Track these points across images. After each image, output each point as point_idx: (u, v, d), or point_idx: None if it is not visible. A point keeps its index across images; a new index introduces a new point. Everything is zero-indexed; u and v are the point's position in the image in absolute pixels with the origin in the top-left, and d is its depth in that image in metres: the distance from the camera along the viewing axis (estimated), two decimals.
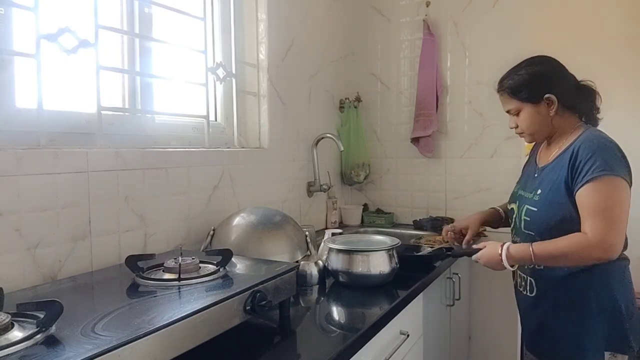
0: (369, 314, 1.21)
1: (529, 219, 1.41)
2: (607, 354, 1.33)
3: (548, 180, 1.39)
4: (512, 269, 1.39)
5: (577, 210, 1.30)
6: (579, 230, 1.28)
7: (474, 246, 1.51)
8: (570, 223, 1.31)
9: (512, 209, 1.53)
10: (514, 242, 1.48)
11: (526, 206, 1.43)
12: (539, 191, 1.40)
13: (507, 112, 1.48)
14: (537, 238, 1.37)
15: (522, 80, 1.41)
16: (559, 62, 1.44)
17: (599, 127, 1.44)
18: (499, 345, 2.32)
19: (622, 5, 2.07)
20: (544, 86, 1.39)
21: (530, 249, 1.31)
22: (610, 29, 2.08)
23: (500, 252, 1.37)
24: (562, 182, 1.33)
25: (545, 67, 1.42)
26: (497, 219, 1.71)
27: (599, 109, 1.44)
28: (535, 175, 1.47)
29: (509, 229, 1.60)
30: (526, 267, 1.45)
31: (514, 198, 1.54)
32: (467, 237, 1.65)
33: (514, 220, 1.51)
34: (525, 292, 1.47)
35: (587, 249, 1.25)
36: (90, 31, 1.29)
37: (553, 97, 1.38)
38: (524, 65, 1.44)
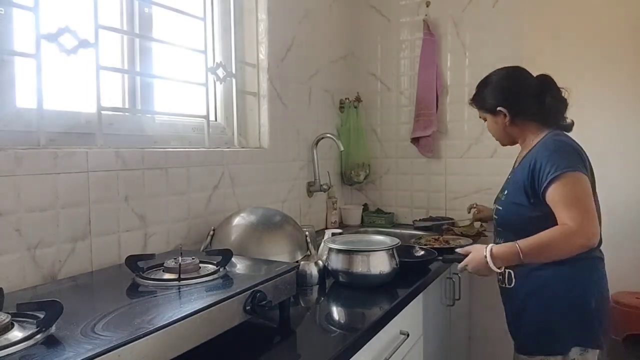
0: (369, 314, 1.21)
1: (497, 217, 1.57)
2: (577, 349, 1.41)
3: (512, 182, 1.53)
4: (499, 270, 1.37)
5: (539, 210, 1.39)
6: (541, 226, 1.34)
7: (458, 250, 1.50)
8: (528, 222, 1.41)
9: (494, 209, 1.65)
10: (496, 242, 1.55)
11: (496, 206, 1.58)
12: (505, 192, 1.55)
13: (480, 118, 1.65)
14: (507, 234, 1.50)
15: (481, 93, 1.59)
16: (518, 74, 1.55)
17: (583, 127, 1.55)
18: (499, 345, 2.31)
19: (622, 7, 2.07)
20: (497, 99, 1.54)
21: (517, 246, 1.33)
22: (610, 29, 2.08)
23: (484, 254, 1.37)
24: (521, 184, 1.44)
25: (501, 82, 1.55)
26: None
27: (566, 117, 1.53)
28: (509, 177, 1.61)
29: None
30: (505, 271, 1.51)
31: (495, 200, 1.65)
32: (479, 215, 2.04)
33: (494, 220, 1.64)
34: (504, 285, 1.56)
35: (571, 237, 1.30)
36: (90, 31, 1.29)
37: (503, 109, 1.52)
38: (490, 77, 1.59)
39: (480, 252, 1.40)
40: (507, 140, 1.61)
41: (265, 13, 1.91)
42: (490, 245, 1.40)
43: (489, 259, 1.36)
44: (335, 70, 2.47)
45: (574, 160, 1.37)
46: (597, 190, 1.46)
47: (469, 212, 2.09)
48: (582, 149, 1.44)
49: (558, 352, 1.42)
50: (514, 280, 1.51)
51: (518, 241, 1.34)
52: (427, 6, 2.41)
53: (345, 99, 2.52)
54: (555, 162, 1.36)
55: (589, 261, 1.42)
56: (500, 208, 1.54)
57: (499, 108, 1.53)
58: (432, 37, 2.38)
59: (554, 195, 1.35)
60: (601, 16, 2.09)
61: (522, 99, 1.51)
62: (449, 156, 2.43)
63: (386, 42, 2.55)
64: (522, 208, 1.44)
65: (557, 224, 1.34)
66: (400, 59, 2.52)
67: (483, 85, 1.59)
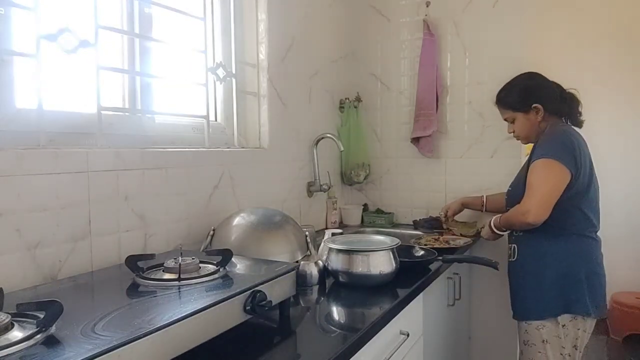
0: (369, 314, 1.21)
1: (507, 197, 1.84)
2: (567, 316, 1.64)
3: (518, 174, 1.79)
4: (499, 232, 1.82)
5: None
6: (561, 219, 1.64)
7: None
8: None
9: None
10: None
11: (508, 188, 1.84)
12: (512, 181, 1.82)
13: (505, 120, 1.83)
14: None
15: (513, 93, 1.77)
16: (542, 76, 1.78)
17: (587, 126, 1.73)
18: (499, 345, 2.32)
19: (622, 7, 2.07)
20: (531, 97, 1.73)
21: (498, 218, 1.80)
22: (610, 29, 2.08)
23: (490, 222, 1.84)
24: (525, 174, 1.68)
25: (531, 82, 1.76)
26: (477, 205, 2.16)
27: (580, 112, 1.76)
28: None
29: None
30: (512, 236, 1.81)
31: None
32: (449, 214, 2.17)
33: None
34: (510, 258, 1.82)
35: (518, 215, 1.64)
36: (90, 31, 1.29)
37: (539, 105, 1.71)
38: (514, 82, 1.79)
39: (488, 223, 1.87)
40: (536, 136, 1.75)
41: (265, 13, 1.91)
42: (492, 218, 1.83)
43: (492, 226, 1.83)
44: (335, 70, 2.47)
45: (563, 151, 1.59)
46: (597, 188, 1.68)
47: (444, 219, 2.20)
48: (582, 146, 1.63)
49: (548, 316, 1.65)
50: (517, 254, 1.77)
51: (501, 216, 1.78)
52: (427, 6, 2.41)
53: (345, 99, 2.52)
54: (545, 147, 1.61)
55: (581, 238, 1.67)
56: (510, 188, 1.81)
57: (534, 105, 1.71)
58: (432, 37, 2.37)
59: (528, 174, 1.64)
60: (601, 16, 2.10)
61: (550, 94, 1.73)
62: (449, 156, 2.42)
63: (386, 42, 2.55)
64: (521, 191, 1.67)
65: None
66: (400, 59, 2.52)
67: (512, 87, 1.78)
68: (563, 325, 1.64)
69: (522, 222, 1.63)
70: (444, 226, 2.20)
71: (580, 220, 1.67)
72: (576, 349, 1.67)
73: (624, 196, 2.02)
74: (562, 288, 1.64)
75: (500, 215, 1.79)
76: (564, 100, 1.74)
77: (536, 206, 1.58)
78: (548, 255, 1.67)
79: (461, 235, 2.12)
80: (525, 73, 1.80)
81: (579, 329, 1.65)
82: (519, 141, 1.87)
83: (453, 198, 2.39)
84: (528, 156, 1.76)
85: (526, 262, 1.73)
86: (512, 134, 1.84)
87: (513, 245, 1.80)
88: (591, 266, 1.67)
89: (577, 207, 1.65)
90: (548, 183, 1.58)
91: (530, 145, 1.84)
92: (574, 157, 1.59)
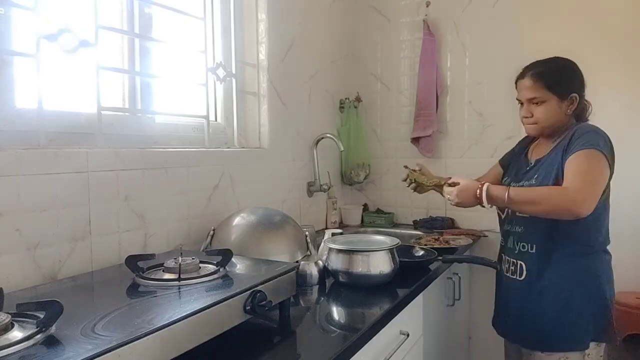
0: (369, 314, 1.21)
1: None
2: (593, 344, 1.43)
3: (545, 169, 1.48)
4: (488, 205, 1.44)
5: None
6: (583, 232, 1.41)
7: (444, 180, 1.58)
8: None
9: None
10: (504, 231, 1.64)
11: (531, 182, 1.51)
12: (536, 176, 1.50)
13: (530, 99, 1.50)
14: (532, 218, 1.47)
15: (558, 72, 1.49)
16: None
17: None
18: (499, 345, 2.31)
19: (624, 7, 2.07)
20: (573, 84, 1.48)
21: (507, 193, 1.40)
22: (611, 29, 2.08)
23: (479, 189, 1.44)
24: (554, 167, 1.44)
25: (575, 67, 1.51)
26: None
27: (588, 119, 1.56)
28: (528, 168, 1.57)
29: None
30: (516, 251, 1.54)
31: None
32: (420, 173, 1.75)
33: (505, 210, 1.61)
34: (514, 276, 1.54)
35: (560, 197, 1.34)
36: (90, 31, 1.29)
37: (577, 96, 1.48)
38: (560, 60, 1.51)
39: (473, 185, 1.47)
40: (555, 128, 1.51)
41: (265, 13, 1.91)
42: (486, 183, 1.45)
43: (484, 195, 1.42)
44: (335, 70, 2.47)
45: (602, 143, 1.38)
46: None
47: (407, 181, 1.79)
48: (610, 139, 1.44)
49: (578, 348, 1.42)
50: (524, 272, 1.50)
51: (510, 188, 1.42)
52: (427, 6, 2.41)
53: (345, 99, 2.52)
54: (586, 140, 1.38)
55: (603, 255, 1.46)
56: (534, 182, 1.51)
57: (574, 94, 1.47)
58: (432, 37, 2.38)
59: (568, 164, 1.38)
60: (602, 16, 2.09)
61: (583, 90, 1.51)
62: (449, 156, 2.42)
63: (386, 42, 2.55)
64: None
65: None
66: (400, 59, 2.52)
67: (554, 66, 1.50)
68: (588, 355, 1.44)
69: (568, 211, 1.31)
70: (409, 180, 1.79)
71: (604, 233, 1.48)
72: None
73: (625, 196, 2.02)
74: (589, 314, 1.42)
75: (505, 187, 1.45)
76: (584, 101, 1.54)
77: (592, 197, 1.31)
78: (572, 276, 1.43)
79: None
80: (566, 58, 1.52)
81: (601, 356, 1.47)
82: (530, 131, 1.56)
83: None
84: (542, 158, 1.52)
85: (544, 285, 1.46)
86: (526, 118, 1.52)
87: (519, 262, 1.52)
88: (612, 286, 1.48)
89: (605, 216, 1.47)
90: (601, 176, 1.36)
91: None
92: (613, 157, 1.41)
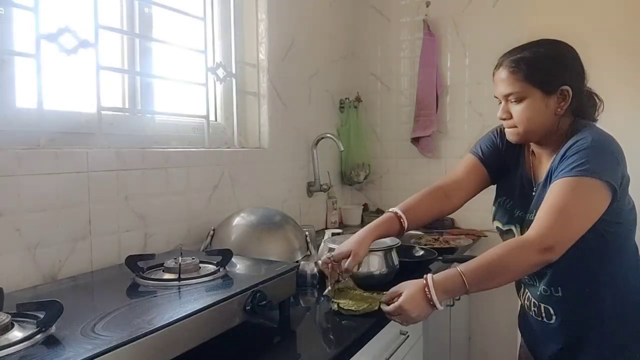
0: (369, 314, 1.21)
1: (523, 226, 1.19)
2: None
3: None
4: (441, 308, 1.06)
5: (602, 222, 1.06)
6: (598, 246, 1.10)
7: (384, 307, 1.12)
8: (591, 242, 1.08)
9: (511, 230, 1.25)
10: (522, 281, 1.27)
11: (526, 214, 1.20)
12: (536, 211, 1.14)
13: (506, 96, 1.15)
14: (560, 263, 1.06)
15: (542, 58, 1.12)
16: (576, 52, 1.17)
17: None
18: (499, 345, 2.32)
19: (622, 12, 2.07)
20: (563, 73, 1.12)
21: (457, 269, 1.04)
22: (611, 29, 2.08)
23: (425, 286, 1.04)
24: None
25: (568, 52, 1.15)
26: (397, 230, 1.28)
27: (596, 120, 1.20)
28: (534, 193, 1.20)
29: None
30: (538, 292, 1.19)
31: (511, 219, 1.25)
32: (346, 265, 1.18)
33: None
34: (541, 319, 1.21)
35: (521, 250, 1.02)
36: (90, 31, 1.29)
37: (570, 90, 1.11)
38: (542, 43, 1.16)
39: (416, 286, 1.06)
40: (543, 134, 1.16)
41: (265, 13, 1.91)
42: (427, 275, 1.06)
43: (434, 297, 1.03)
44: (335, 70, 2.46)
45: (605, 165, 1.05)
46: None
47: (326, 268, 1.23)
48: (621, 149, 1.10)
49: None
50: (554, 315, 1.18)
51: (459, 266, 1.05)
52: (427, 6, 2.41)
53: (345, 99, 2.52)
54: (582, 159, 1.04)
55: (637, 270, 1.16)
56: (529, 215, 1.18)
57: (564, 87, 1.11)
58: (432, 37, 2.38)
59: (551, 190, 1.07)
60: (602, 16, 2.09)
61: (582, 81, 1.15)
62: (449, 156, 2.42)
63: (386, 42, 2.55)
64: None
65: (619, 233, 1.11)
66: (400, 59, 2.52)
67: (534, 52, 1.14)
68: None
69: (534, 263, 1.03)
70: (331, 292, 1.22)
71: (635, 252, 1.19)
72: None
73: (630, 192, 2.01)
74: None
75: (452, 269, 1.06)
76: (589, 98, 1.18)
77: (563, 238, 1.02)
78: (613, 304, 1.13)
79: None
80: (561, 42, 1.16)
81: None
82: (510, 136, 1.20)
83: None
84: (541, 189, 1.16)
85: (582, 323, 1.15)
86: (504, 121, 1.18)
87: (542, 305, 1.20)
88: None
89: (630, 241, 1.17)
90: (585, 210, 1.04)
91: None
92: (616, 170, 1.07)
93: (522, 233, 1.19)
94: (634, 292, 1.15)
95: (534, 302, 1.23)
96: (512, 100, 1.15)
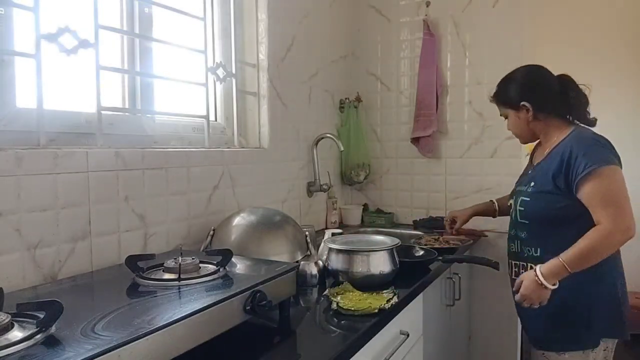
0: (369, 314, 1.21)
1: (522, 208, 1.55)
2: (604, 340, 1.45)
3: (540, 174, 1.53)
4: (554, 287, 1.39)
5: (567, 200, 1.44)
6: (567, 219, 1.44)
7: (515, 288, 1.48)
8: (558, 211, 1.46)
9: (511, 204, 1.66)
10: (510, 235, 1.64)
11: (521, 198, 1.56)
12: (532, 183, 1.54)
13: (501, 115, 1.68)
14: (533, 225, 1.52)
15: (505, 90, 1.62)
16: (542, 71, 1.58)
17: (597, 126, 1.55)
18: (499, 345, 2.32)
19: (622, 7, 2.07)
20: (521, 95, 1.56)
21: (560, 260, 1.37)
22: (610, 29, 2.07)
23: (536, 276, 1.39)
24: (551, 175, 1.46)
25: (525, 78, 1.59)
26: (489, 211, 1.95)
27: (589, 112, 1.55)
28: (530, 172, 1.62)
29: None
30: (525, 255, 1.55)
31: (512, 194, 1.68)
32: (456, 226, 1.97)
33: (511, 214, 1.64)
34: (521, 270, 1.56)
35: (610, 236, 1.35)
36: (90, 31, 1.29)
37: (527, 104, 1.54)
38: (510, 74, 1.63)
39: (530, 277, 1.41)
40: (529, 136, 1.62)
41: (265, 13, 1.91)
42: (537, 267, 1.41)
43: (541, 279, 1.38)
44: (335, 70, 2.46)
45: (607, 154, 1.40)
46: None
47: (448, 228, 2.04)
48: (603, 137, 1.46)
49: (589, 345, 1.44)
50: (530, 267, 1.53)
51: (560, 256, 1.37)
52: (427, 6, 2.41)
53: (345, 99, 2.52)
54: (592, 156, 1.38)
55: (612, 254, 1.43)
56: (528, 199, 1.53)
57: (522, 103, 1.55)
58: (432, 37, 2.37)
59: (588, 192, 1.38)
60: (601, 16, 2.09)
61: (546, 94, 1.54)
62: (449, 156, 2.42)
63: (386, 42, 2.55)
64: (552, 197, 1.46)
65: (582, 213, 1.40)
66: (400, 59, 2.52)
67: (506, 82, 1.62)
68: (598, 351, 1.46)
69: (624, 241, 1.36)
70: (446, 232, 2.02)
71: None
72: None
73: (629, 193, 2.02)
74: (602, 312, 1.43)
75: (555, 258, 1.37)
76: (566, 100, 1.53)
77: (630, 216, 1.36)
78: (582, 278, 1.40)
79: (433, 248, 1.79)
80: (524, 67, 1.62)
81: (606, 350, 1.47)
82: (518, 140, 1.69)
83: (453, 198, 2.39)
84: (538, 166, 1.56)
85: (559, 289, 1.40)
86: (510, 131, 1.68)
87: (528, 264, 1.53)
88: (623, 281, 1.50)
89: None
90: (624, 188, 1.39)
91: (530, 146, 1.75)
92: (618, 158, 1.42)
93: (515, 201, 1.60)
94: (604, 263, 1.41)
95: (521, 265, 1.57)
96: (503, 116, 1.66)
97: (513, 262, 1.62)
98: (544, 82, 1.56)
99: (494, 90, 1.65)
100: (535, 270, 1.40)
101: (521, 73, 1.60)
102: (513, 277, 1.60)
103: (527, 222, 1.54)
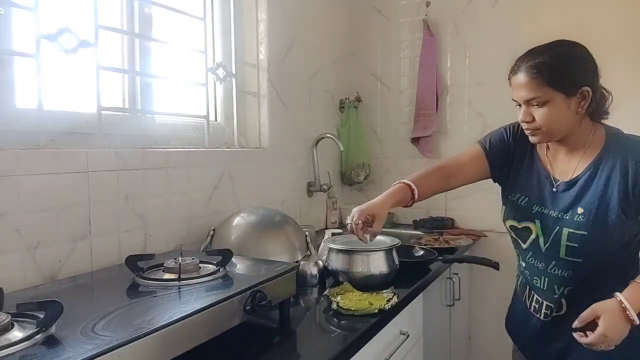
0: (369, 314, 1.21)
1: (576, 245, 1.17)
2: None
3: (592, 198, 1.16)
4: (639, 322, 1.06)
5: (633, 230, 1.15)
6: (636, 253, 1.16)
7: (577, 324, 1.09)
8: (629, 246, 1.17)
9: (528, 228, 1.28)
10: (535, 267, 1.28)
11: (569, 230, 1.18)
12: (581, 210, 1.17)
13: (529, 101, 1.17)
14: (586, 265, 1.18)
15: (563, 61, 1.15)
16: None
17: None
18: (499, 345, 2.31)
19: (622, 8, 2.06)
20: (583, 75, 1.16)
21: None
22: (609, 30, 2.07)
23: (625, 309, 1.05)
24: (616, 199, 1.13)
25: (585, 53, 1.18)
26: (409, 199, 1.33)
27: (608, 113, 1.24)
28: (556, 189, 1.23)
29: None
30: (555, 295, 1.24)
31: (528, 216, 1.28)
32: (372, 229, 1.25)
33: (537, 243, 1.26)
34: (550, 312, 1.25)
35: None
36: (90, 31, 1.29)
37: (589, 90, 1.14)
38: (559, 45, 1.19)
39: (615, 310, 1.05)
40: (565, 134, 1.20)
41: (265, 13, 1.91)
42: (619, 297, 1.06)
43: (631, 312, 1.04)
44: (335, 70, 2.46)
45: None
46: None
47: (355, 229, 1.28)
48: None
49: None
50: (565, 306, 1.23)
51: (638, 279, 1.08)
52: (427, 6, 2.41)
53: (345, 99, 2.52)
54: None
55: None
56: (585, 233, 1.16)
57: (585, 87, 1.14)
58: (432, 37, 2.38)
59: None
60: (601, 16, 2.09)
61: (598, 80, 1.19)
62: (449, 156, 2.41)
63: (386, 42, 2.55)
64: (624, 230, 1.14)
65: None
66: (400, 59, 2.52)
67: (563, 56, 1.17)
68: None
69: None
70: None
71: None
72: None
73: None
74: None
75: (636, 283, 1.08)
76: (602, 96, 1.21)
77: None
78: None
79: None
80: (573, 42, 1.20)
81: None
82: (535, 139, 1.23)
83: (453, 198, 2.38)
84: (587, 179, 1.18)
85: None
86: (528, 123, 1.19)
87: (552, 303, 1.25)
88: None
89: None
90: None
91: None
92: None
93: (543, 228, 1.24)
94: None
95: (542, 302, 1.27)
96: (534, 104, 1.17)
97: (534, 296, 1.30)
98: (597, 65, 1.19)
99: (539, 61, 1.16)
100: (620, 300, 1.05)
101: (582, 50, 1.19)
102: (532, 311, 1.31)
103: (580, 260, 1.19)
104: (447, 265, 1.74)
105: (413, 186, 1.33)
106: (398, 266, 1.45)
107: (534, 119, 1.18)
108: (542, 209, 1.25)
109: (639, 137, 1.20)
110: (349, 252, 1.41)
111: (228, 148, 1.77)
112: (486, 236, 2.22)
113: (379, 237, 1.56)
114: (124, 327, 0.77)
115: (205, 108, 1.69)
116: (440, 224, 2.33)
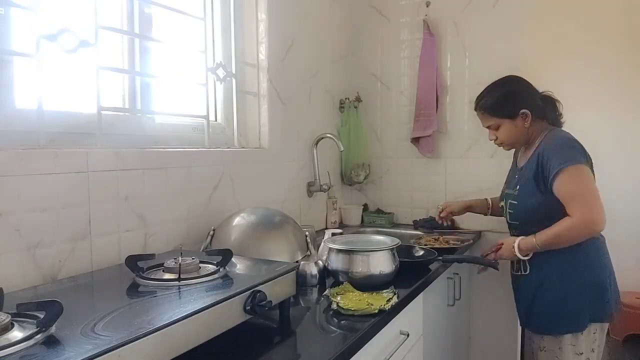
0: (369, 314, 1.21)
1: (512, 211, 1.70)
2: (592, 324, 1.58)
3: (524, 177, 1.67)
4: (525, 258, 1.64)
5: (549, 199, 1.56)
6: (555, 215, 1.55)
7: (491, 253, 1.72)
8: (545, 210, 1.58)
9: (502, 206, 1.80)
10: (510, 233, 1.78)
11: (509, 201, 1.71)
12: (518, 187, 1.69)
13: (487, 127, 1.74)
14: (523, 226, 1.67)
15: (499, 99, 1.68)
16: (524, 79, 1.72)
17: (565, 127, 1.69)
18: (499, 345, 2.32)
19: (620, 9, 2.07)
20: (518, 103, 1.66)
21: (534, 239, 1.59)
22: (608, 30, 2.07)
23: (513, 246, 1.63)
24: (532, 176, 1.61)
25: (516, 86, 1.69)
26: (482, 208, 2.02)
27: (561, 113, 1.72)
28: (516, 175, 1.74)
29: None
30: (520, 261, 1.70)
31: (502, 196, 1.82)
32: (443, 213, 2.02)
33: (505, 216, 1.77)
34: (519, 272, 1.72)
35: (575, 229, 1.52)
36: (90, 31, 1.29)
37: (527, 111, 1.65)
38: (497, 86, 1.71)
39: (509, 245, 1.66)
40: (523, 141, 1.71)
41: (265, 13, 1.91)
42: (517, 239, 1.63)
43: (516, 251, 1.63)
44: (335, 70, 2.47)
45: (576, 153, 1.54)
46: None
47: (440, 217, 2.08)
48: (576, 140, 1.60)
49: (578, 329, 1.57)
50: (529, 268, 1.67)
51: (535, 235, 1.58)
52: (427, 6, 2.40)
53: (345, 99, 2.52)
54: (560, 155, 1.53)
55: (596, 243, 1.60)
56: (516, 202, 1.68)
57: (522, 110, 1.64)
58: (432, 37, 2.37)
59: (559, 189, 1.53)
60: (600, 16, 2.09)
61: (534, 98, 1.68)
62: (449, 156, 2.42)
63: (386, 42, 2.55)
64: (537, 198, 1.60)
65: (563, 209, 1.53)
66: (400, 59, 2.52)
67: (493, 94, 1.69)
68: (587, 334, 1.59)
69: (590, 233, 1.53)
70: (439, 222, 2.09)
71: None
72: (593, 351, 1.61)
73: (625, 197, 2.02)
74: (590, 298, 1.57)
75: (532, 236, 1.59)
76: (546, 103, 1.70)
77: (599, 211, 1.49)
78: (567, 267, 1.59)
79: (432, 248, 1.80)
80: (505, 77, 1.73)
81: (595, 332, 1.60)
82: (504, 149, 1.79)
83: (453, 198, 2.39)
84: (523, 169, 1.69)
85: (543, 276, 1.62)
86: (494, 141, 1.76)
87: (522, 260, 1.68)
88: (610, 267, 1.63)
89: None
90: (592, 186, 1.53)
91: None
92: (588, 158, 1.57)
93: (505, 206, 1.74)
94: (587, 245, 1.58)
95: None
96: (492, 128, 1.73)
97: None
98: (530, 88, 1.70)
99: (482, 102, 1.71)
100: (514, 243, 1.63)
101: (508, 82, 1.71)
102: (514, 271, 1.76)
103: (517, 222, 1.69)
104: (447, 265, 1.74)
105: (489, 200, 2.01)
106: (398, 266, 1.45)
107: (497, 137, 1.74)
108: (506, 190, 1.78)
109: (560, 132, 1.63)
110: (349, 252, 1.41)
111: (228, 148, 1.77)
112: (486, 236, 2.22)
113: (379, 237, 1.58)
114: (124, 327, 0.77)
115: (205, 108, 1.69)
116: (440, 224, 2.32)
